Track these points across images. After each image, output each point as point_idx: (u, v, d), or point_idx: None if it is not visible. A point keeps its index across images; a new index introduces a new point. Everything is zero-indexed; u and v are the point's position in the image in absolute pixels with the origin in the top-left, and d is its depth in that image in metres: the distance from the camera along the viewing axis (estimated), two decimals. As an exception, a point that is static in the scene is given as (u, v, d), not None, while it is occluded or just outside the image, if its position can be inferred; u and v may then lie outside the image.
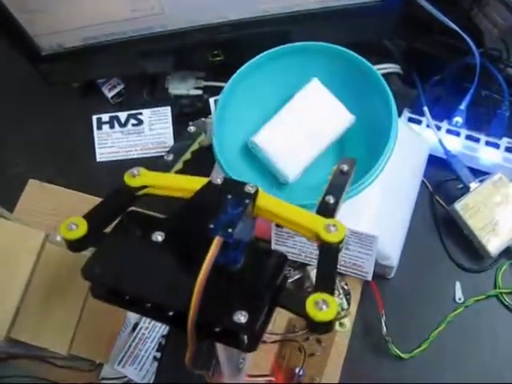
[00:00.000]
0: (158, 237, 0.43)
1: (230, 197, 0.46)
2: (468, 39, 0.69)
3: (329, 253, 0.45)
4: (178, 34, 0.73)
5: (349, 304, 0.68)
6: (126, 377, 0.70)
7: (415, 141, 0.70)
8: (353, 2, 0.69)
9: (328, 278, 0.44)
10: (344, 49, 0.63)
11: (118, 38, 0.74)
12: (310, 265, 0.68)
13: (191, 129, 0.61)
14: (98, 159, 0.83)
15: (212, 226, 0.43)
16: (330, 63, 0.64)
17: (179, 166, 0.56)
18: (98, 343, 0.69)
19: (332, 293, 0.42)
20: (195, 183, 0.48)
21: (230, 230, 0.42)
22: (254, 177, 0.64)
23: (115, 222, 0.47)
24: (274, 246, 0.67)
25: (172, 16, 0.71)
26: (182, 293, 0.39)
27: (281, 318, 0.70)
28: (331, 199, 0.49)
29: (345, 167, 0.52)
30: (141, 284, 0.41)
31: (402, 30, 0.75)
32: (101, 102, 0.86)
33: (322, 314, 0.39)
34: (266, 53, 0.64)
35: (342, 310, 0.68)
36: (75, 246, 0.45)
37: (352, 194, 0.59)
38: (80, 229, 0.44)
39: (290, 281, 0.70)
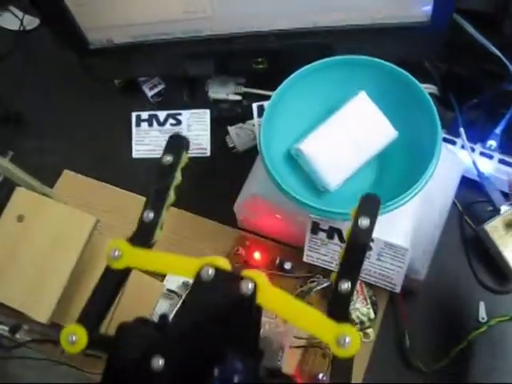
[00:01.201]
0: (160, 362, 0.42)
1: (216, 374, 0.42)
2: (508, 64, 0.71)
3: (341, 366, 0.42)
4: (225, 38, 0.76)
5: (375, 314, 0.70)
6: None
7: (451, 160, 0.71)
8: (400, 21, 0.71)
9: None
10: (392, 65, 0.64)
11: (167, 39, 0.76)
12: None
13: (167, 159, 0.50)
14: (134, 155, 0.85)
15: None
16: (377, 78, 0.65)
17: (163, 218, 0.50)
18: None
19: None
20: (182, 269, 0.45)
21: None
22: (295, 183, 0.65)
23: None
24: (306, 253, 0.69)
25: (221, 20, 0.74)
26: None
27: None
28: (345, 285, 0.44)
29: (364, 222, 0.46)
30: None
31: (443, 53, 0.77)
32: (141, 100, 0.88)
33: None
34: (316, 63, 0.65)
35: (369, 320, 0.70)
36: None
37: (392, 209, 0.61)
38: (81, 340, 0.44)
39: (318, 288, 0.72)
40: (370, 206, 0.46)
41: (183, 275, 0.44)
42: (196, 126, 0.84)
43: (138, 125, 0.85)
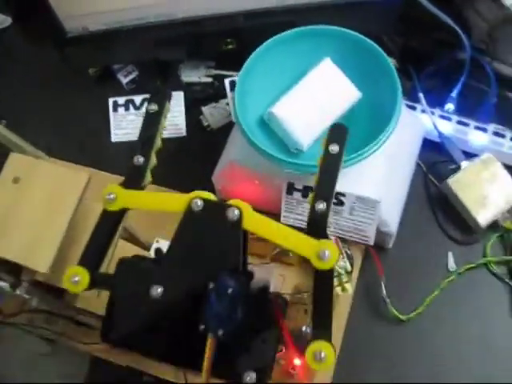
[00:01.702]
0: (158, 290, 0.46)
1: (211, 286, 0.46)
2: (460, 32, 0.76)
3: (323, 278, 0.46)
4: (196, 21, 0.80)
5: (352, 267, 0.74)
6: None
7: (413, 122, 0.77)
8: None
9: (324, 315, 0.47)
10: (355, 33, 0.69)
11: (139, 24, 0.80)
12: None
13: (152, 108, 0.56)
14: (112, 140, 0.88)
15: (203, 326, 0.45)
16: (341, 46, 0.70)
17: (153, 162, 0.54)
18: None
19: (329, 338, 0.46)
20: (174, 204, 0.49)
21: (221, 332, 0.45)
22: (270, 147, 0.69)
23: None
24: (283, 214, 0.73)
25: (191, 3, 0.78)
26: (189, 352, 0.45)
27: (287, 282, 0.75)
28: (321, 206, 0.49)
29: (334, 148, 0.51)
30: (150, 345, 0.47)
31: (399, 27, 0.83)
32: (116, 88, 0.91)
33: (320, 366, 0.46)
34: (283, 33, 0.70)
35: (346, 272, 0.74)
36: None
37: (357, 160, 0.65)
38: (83, 279, 0.48)
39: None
40: (339, 133, 0.51)
41: (174, 209, 0.48)
42: (171, 109, 0.87)
43: (115, 110, 0.88)
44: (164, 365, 0.72)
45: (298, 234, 0.47)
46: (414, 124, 0.77)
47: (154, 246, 0.78)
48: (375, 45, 0.69)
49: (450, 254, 0.77)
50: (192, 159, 0.85)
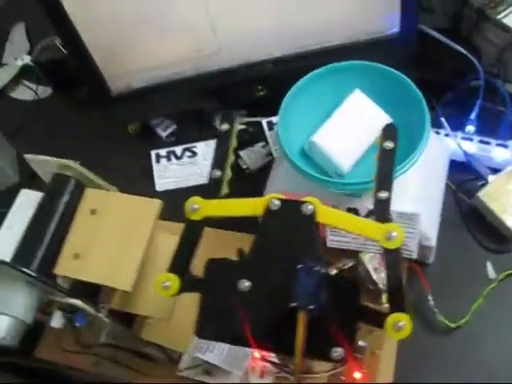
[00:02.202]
0: (245, 284, 0.51)
1: (300, 267, 0.51)
2: (473, 59, 0.84)
3: (392, 257, 0.52)
4: (230, 71, 0.88)
5: (399, 280, 0.78)
6: (199, 366, 0.77)
7: (439, 145, 0.83)
8: (375, 36, 0.85)
9: (398, 290, 0.52)
10: (382, 65, 0.76)
11: (179, 78, 0.88)
12: (361, 251, 0.78)
13: (224, 127, 0.63)
14: (157, 189, 0.94)
15: (294, 304, 0.49)
16: (370, 78, 0.77)
17: (228, 174, 0.62)
18: (179, 336, 0.77)
19: (407, 309, 0.52)
20: (252, 208, 0.55)
21: (311, 307, 0.49)
22: (313, 172, 0.75)
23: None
24: (329, 238, 0.78)
25: (226, 55, 0.86)
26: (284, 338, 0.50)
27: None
28: (384, 195, 0.55)
29: (389, 145, 0.59)
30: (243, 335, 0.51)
31: (414, 61, 0.90)
32: (156, 141, 0.98)
33: (399, 335, 0.51)
34: (317, 70, 0.77)
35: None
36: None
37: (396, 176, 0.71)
38: (174, 284, 0.53)
39: (345, 268, 0.80)
40: (391, 131, 0.58)
41: (253, 213, 0.54)
42: (211, 155, 0.94)
43: (157, 161, 0.95)
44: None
45: (366, 220, 0.54)
46: (440, 145, 0.83)
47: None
48: (400, 74, 0.76)
49: (489, 264, 0.81)
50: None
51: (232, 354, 0.75)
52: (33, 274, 0.58)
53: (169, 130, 0.98)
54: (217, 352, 0.75)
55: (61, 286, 0.59)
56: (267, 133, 0.91)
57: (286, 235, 0.52)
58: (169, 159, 0.95)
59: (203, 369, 0.77)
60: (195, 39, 0.83)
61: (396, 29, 0.84)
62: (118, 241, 0.60)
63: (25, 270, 0.58)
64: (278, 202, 0.53)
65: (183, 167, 0.94)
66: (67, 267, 0.60)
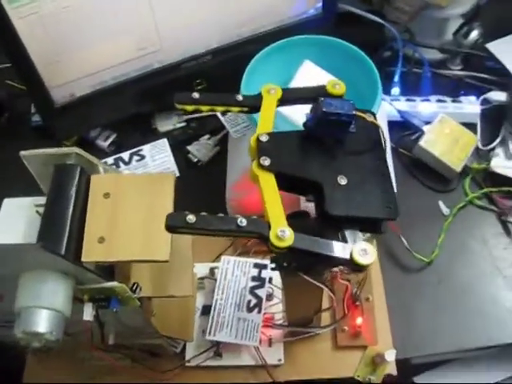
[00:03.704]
0: None
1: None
2: (392, 28, 0.94)
3: None
4: (172, 67, 0.90)
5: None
6: (207, 350, 0.78)
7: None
8: (303, 17, 0.92)
9: None
10: (333, 38, 0.83)
11: (122, 80, 0.88)
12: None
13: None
14: (112, 197, 0.92)
15: None
16: (319, 50, 0.83)
17: None
18: (182, 326, 0.77)
19: None
20: None
21: None
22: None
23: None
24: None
25: (168, 51, 0.88)
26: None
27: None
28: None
29: None
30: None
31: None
32: (99, 153, 0.96)
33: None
34: (270, 46, 0.82)
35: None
36: None
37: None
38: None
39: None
40: None
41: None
42: (159, 156, 0.95)
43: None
44: (241, 372, 0.79)
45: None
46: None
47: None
48: (349, 44, 0.83)
49: (441, 203, 0.90)
50: (194, 193, 0.91)
51: (242, 328, 0.76)
52: (71, 260, 0.56)
53: (109, 140, 0.97)
54: (227, 330, 0.76)
55: (97, 271, 0.57)
56: (221, 118, 0.93)
57: None
58: (117, 166, 0.94)
59: (213, 352, 0.78)
60: (138, 38, 0.84)
61: (319, 9, 0.92)
62: (141, 217, 0.59)
63: (62, 255, 0.55)
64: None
65: (134, 171, 0.93)
66: (95, 252, 0.57)
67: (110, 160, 0.94)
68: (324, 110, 0.52)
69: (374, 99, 0.79)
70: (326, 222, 0.51)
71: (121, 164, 0.94)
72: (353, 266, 0.49)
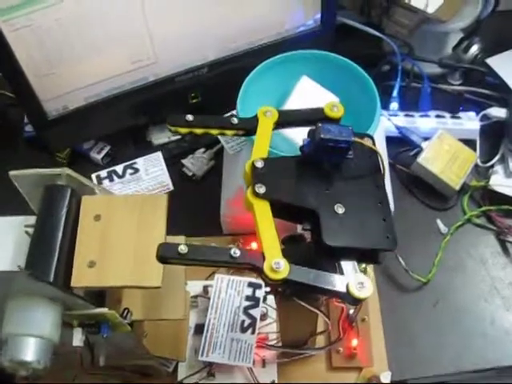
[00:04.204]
0: None
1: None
2: (390, 42, 0.93)
3: None
4: (167, 80, 0.88)
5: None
6: (200, 371, 0.76)
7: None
8: (301, 30, 0.91)
9: None
10: (328, 52, 0.82)
11: (117, 93, 0.86)
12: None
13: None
14: (104, 211, 0.91)
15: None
16: (316, 66, 0.82)
17: None
18: (175, 345, 0.76)
19: None
20: None
21: None
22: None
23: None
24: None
25: (163, 63, 0.86)
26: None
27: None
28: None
29: None
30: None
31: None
32: (92, 166, 0.95)
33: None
34: (266, 61, 0.80)
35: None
36: None
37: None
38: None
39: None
40: None
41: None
42: (153, 169, 0.93)
43: (99, 183, 0.91)
44: None
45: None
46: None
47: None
48: (347, 60, 0.81)
49: (439, 221, 0.89)
50: (188, 207, 0.90)
51: (235, 349, 0.74)
52: (60, 287, 0.54)
53: (103, 152, 0.95)
54: (219, 350, 0.75)
55: (87, 297, 0.56)
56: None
57: None
58: (111, 179, 0.92)
59: (206, 372, 0.77)
60: (132, 51, 0.82)
61: (318, 22, 0.91)
62: (132, 240, 0.58)
63: (51, 282, 0.54)
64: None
65: (127, 185, 0.92)
66: (85, 277, 0.56)
67: (104, 173, 0.92)
68: (322, 136, 0.50)
69: (373, 116, 0.77)
70: (322, 252, 0.50)
71: (114, 177, 0.92)
72: (349, 299, 0.48)
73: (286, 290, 0.57)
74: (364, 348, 0.78)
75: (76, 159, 0.97)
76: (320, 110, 0.57)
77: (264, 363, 0.77)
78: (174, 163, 0.94)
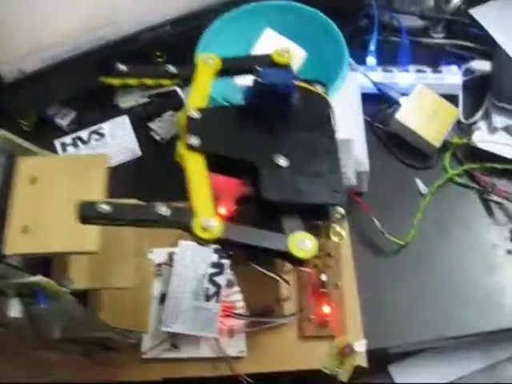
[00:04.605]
0: None
1: None
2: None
3: None
4: (128, 39, 0.83)
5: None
6: (163, 342, 0.73)
7: (350, 76, 0.84)
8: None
9: None
10: (295, 3, 0.77)
11: (75, 54, 0.82)
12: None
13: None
14: (69, 178, 0.87)
15: None
16: (281, 17, 0.78)
17: None
18: (136, 316, 0.72)
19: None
20: None
21: None
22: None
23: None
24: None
25: (123, 22, 0.81)
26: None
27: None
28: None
29: None
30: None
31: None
32: (57, 132, 0.90)
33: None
34: (224, 15, 0.76)
35: (341, 216, 0.78)
36: None
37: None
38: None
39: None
40: None
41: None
42: (119, 133, 0.89)
43: (64, 150, 0.88)
44: (200, 364, 0.74)
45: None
46: (352, 78, 0.85)
47: (150, 256, 0.78)
48: (315, 10, 0.76)
49: (418, 180, 0.84)
50: (156, 171, 0.86)
51: (199, 319, 0.71)
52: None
53: (68, 118, 0.91)
54: (183, 320, 0.71)
55: (23, 264, 0.52)
56: (182, 95, 0.88)
57: None
58: (76, 146, 0.88)
59: (170, 343, 0.73)
60: (90, 9, 0.77)
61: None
62: (70, 204, 0.54)
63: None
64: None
65: (92, 152, 0.88)
66: (19, 243, 0.53)
67: (68, 139, 0.88)
68: (260, 80, 0.46)
69: (341, 68, 0.73)
70: (262, 209, 0.46)
71: (79, 143, 0.88)
72: (291, 259, 0.44)
73: (237, 252, 0.53)
74: (337, 315, 0.74)
75: (41, 126, 0.92)
76: (267, 57, 0.52)
77: (232, 333, 0.73)
78: (141, 127, 0.90)
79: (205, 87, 0.50)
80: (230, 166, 0.48)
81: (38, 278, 0.52)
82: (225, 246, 0.45)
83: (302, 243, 0.43)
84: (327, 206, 0.47)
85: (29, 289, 0.53)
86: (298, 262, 0.44)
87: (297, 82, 0.48)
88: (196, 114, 0.47)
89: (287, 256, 0.44)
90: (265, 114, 0.48)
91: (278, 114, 0.49)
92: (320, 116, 0.50)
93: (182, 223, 0.43)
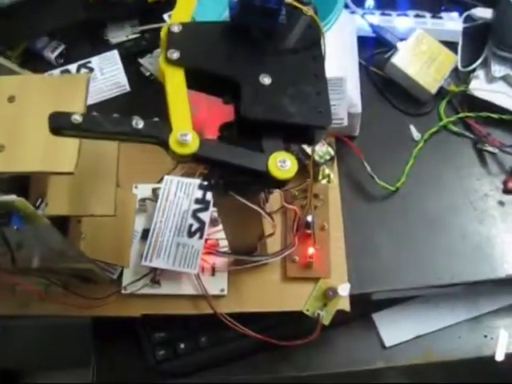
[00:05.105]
0: None
1: None
2: None
3: None
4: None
5: (334, 151, 0.76)
6: (143, 277, 0.72)
7: (346, 17, 0.82)
8: None
9: None
10: None
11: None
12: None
13: None
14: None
15: None
16: None
17: None
18: (117, 250, 0.72)
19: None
20: None
21: None
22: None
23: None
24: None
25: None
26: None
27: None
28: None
29: None
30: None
31: None
32: (45, 65, 0.87)
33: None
34: None
35: (330, 159, 0.76)
36: None
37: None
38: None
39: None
40: None
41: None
42: (108, 68, 0.87)
43: (51, 83, 0.86)
44: (180, 301, 0.73)
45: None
46: (347, 18, 0.82)
47: (134, 191, 0.77)
48: None
49: (412, 127, 0.83)
50: (145, 108, 0.83)
51: (181, 255, 0.70)
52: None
53: (57, 51, 0.88)
54: (164, 256, 0.70)
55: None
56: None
57: None
58: (63, 79, 0.86)
59: (150, 279, 0.72)
60: None
61: None
62: (47, 123, 0.53)
63: None
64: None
65: (81, 85, 0.86)
66: (-9, 162, 0.52)
67: (56, 72, 0.86)
68: (246, -6, 0.43)
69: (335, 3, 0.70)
70: (243, 130, 0.44)
71: (67, 77, 0.87)
72: (270, 179, 0.42)
73: (219, 181, 0.51)
74: (321, 257, 0.73)
75: (29, 58, 0.90)
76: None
77: (213, 271, 0.72)
78: (131, 63, 0.87)
79: (190, 1, 0.48)
80: (210, 82, 0.46)
81: (12, 197, 0.50)
82: (201, 163, 0.43)
83: (283, 163, 0.42)
84: (312, 128, 0.45)
85: (3, 209, 0.52)
86: (277, 183, 0.43)
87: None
88: (177, 28, 0.45)
89: (267, 177, 0.42)
90: (251, 31, 0.46)
91: (264, 33, 0.46)
92: (309, 38, 0.48)
93: (156, 136, 0.41)
